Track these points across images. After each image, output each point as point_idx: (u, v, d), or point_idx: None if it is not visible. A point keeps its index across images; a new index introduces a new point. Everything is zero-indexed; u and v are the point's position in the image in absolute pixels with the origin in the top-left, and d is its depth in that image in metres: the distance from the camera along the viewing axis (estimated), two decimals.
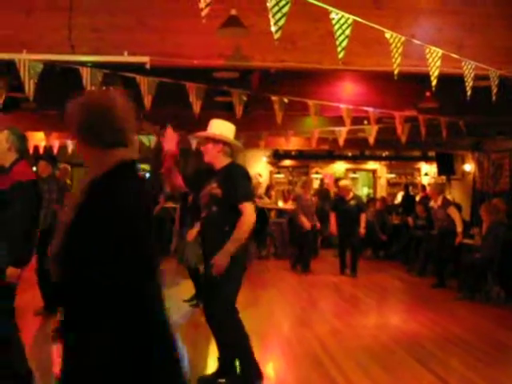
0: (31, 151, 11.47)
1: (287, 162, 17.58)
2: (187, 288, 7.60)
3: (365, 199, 16.16)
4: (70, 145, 12.03)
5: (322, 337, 6.04)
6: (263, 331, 6.24)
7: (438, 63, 4.52)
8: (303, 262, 10.62)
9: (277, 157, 17.18)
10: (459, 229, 9.02)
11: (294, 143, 13.38)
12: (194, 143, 10.77)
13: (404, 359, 5.31)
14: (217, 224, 4.27)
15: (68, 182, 10.44)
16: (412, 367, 5.07)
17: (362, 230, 10.23)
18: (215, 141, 4.33)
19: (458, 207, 10.12)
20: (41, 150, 12.38)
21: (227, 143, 4.36)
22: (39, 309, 6.54)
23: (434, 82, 4.56)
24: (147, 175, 11.73)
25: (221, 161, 4.37)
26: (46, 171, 6.57)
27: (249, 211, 4.18)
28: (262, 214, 12.05)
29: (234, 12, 4.26)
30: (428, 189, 12.61)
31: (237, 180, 4.26)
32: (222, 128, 4.37)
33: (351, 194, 10.40)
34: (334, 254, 11.86)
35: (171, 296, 8.12)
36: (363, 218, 10.33)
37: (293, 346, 5.75)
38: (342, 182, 10.95)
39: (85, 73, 5.28)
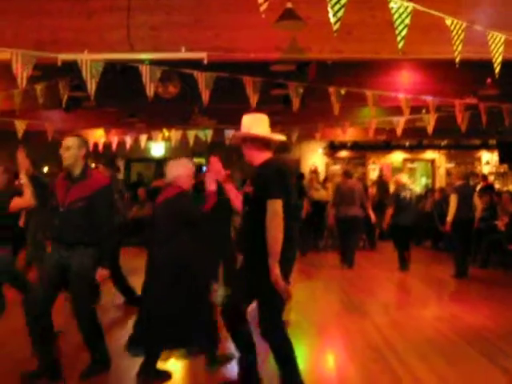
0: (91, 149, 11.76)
1: (343, 154, 17.46)
2: None
3: (423, 190, 15.98)
4: (129, 140, 12.31)
5: (383, 328, 5.99)
6: (323, 323, 6.25)
7: (501, 49, 4.36)
8: (346, 257, 10.08)
9: (333, 148, 17.08)
10: (449, 218, 9.06)
11: (350, 134, 13.30)
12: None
13: (467, 352, 5.20)
14: (249, 225, 3.97)
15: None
16: (476, 360, 4.97)
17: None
18: (245, 139, 4.02)
19: None
20: (100, 147, 12.64)
21: (259, 138, 3.99)
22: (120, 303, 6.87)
23: (497, 69, 4.40)
24: (203, 168, 11.82)
25: (257, 158, 4.01)
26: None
27: (272, 209, 3.70)
28: (318, 206, 12.04)
29: (289, 5, 4.26)
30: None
31: (267, 177, 3.84)
32: (249, 124, 4.03)
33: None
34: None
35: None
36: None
37: (353, 337, 5.71)
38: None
39: (144, 70, 5.41)
